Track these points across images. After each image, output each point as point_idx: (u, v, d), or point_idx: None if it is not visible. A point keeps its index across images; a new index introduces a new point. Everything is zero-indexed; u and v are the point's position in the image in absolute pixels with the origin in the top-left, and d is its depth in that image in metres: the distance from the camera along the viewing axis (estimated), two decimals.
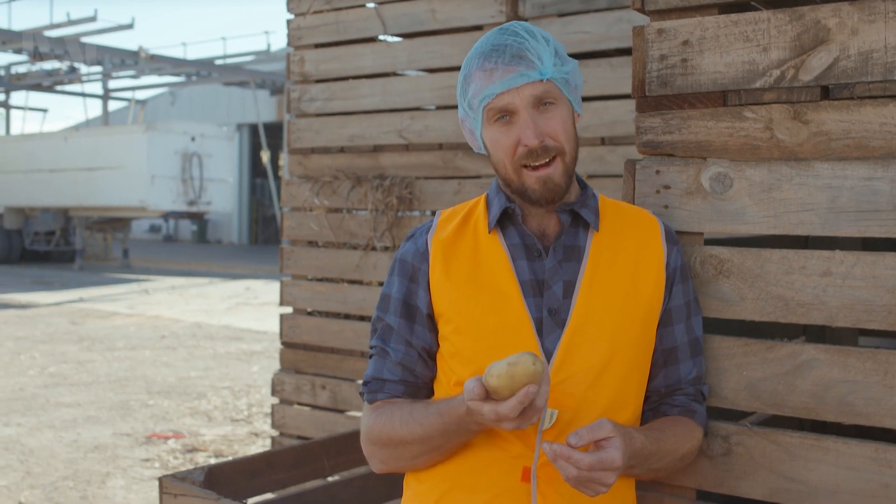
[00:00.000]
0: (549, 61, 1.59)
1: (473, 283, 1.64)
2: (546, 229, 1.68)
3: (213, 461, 5.46)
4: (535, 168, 1.60)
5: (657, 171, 1.85)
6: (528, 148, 1.58)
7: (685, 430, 1.67)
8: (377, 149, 4.03)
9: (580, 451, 1.41)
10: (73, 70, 24.34)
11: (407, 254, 1.73)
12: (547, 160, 1.60)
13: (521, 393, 1.37)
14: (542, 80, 1.58)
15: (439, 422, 1.55)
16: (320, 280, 4.20)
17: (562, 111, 1.61)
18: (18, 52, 23.29)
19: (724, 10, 1.81)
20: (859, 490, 1.64)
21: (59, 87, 27.12)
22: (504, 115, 1.60)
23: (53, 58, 22.52)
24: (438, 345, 1.69)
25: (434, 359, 1.71)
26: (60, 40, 21.85)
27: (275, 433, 4.39)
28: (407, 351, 1.69)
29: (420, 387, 1.71)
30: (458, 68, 3.76)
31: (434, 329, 1.69)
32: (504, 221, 1.69)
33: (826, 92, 1.68)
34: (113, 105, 30.74)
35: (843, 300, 1.65)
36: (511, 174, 1.63)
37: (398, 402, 1.67)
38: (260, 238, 35.03)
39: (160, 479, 2.61)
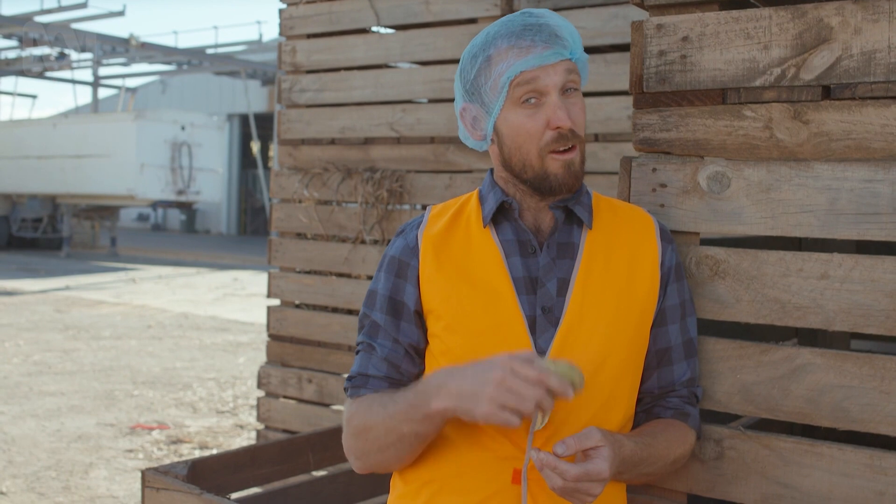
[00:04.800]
0: (578, 43, 1.59)
1: (465, 280, 1.60)
2: (541, 225, 1.64)
3: (197, 453, 5.43)
4: (561, 152, 1.57)
5: (653, 169, 1.82)
6: (558, 131, 1.55)
7: (677, 434, 1.64)
8: (368, 141, 3.99)
9: (567, 462, 1.38)
10: (63, 56, 24.20)
11: (397, 250, 1.69)
12: (572, 145, 1.58)
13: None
14: (571, 60, 1.57)
15: (412, 394, 1.52)
16: (308, 273, 4.17)
17: (581, 98, 1.61)
18: (8, 37, 23.14)
19: (725, 6, 1.78)
20: (853, 497, 1.61)
21: (48, 74, 26.96)
22: (532, 98, 1.56)
23: (45, 44, 22.39)
24: (426, 341, 1.66)
25: (421, 355, 1.67)
26: (52, 26, 21.72)
27: (260, 426, 4.36)
28: (394, 347, 1.65)
29: (405, 384, 1.66)
30: (451, 61, 3.73)
31: (422, 325, 1.66)
32: (497, 217, 1.65)
33: (827, 92, 1.65)
34: (103, 92, 30.60)
35: (840, 304, 1.63)
36: (534, 160, 1.58)
37: (382, 392, 1.63)
38: (248, 228, 34.95)
39: (143, 473, 2.57)
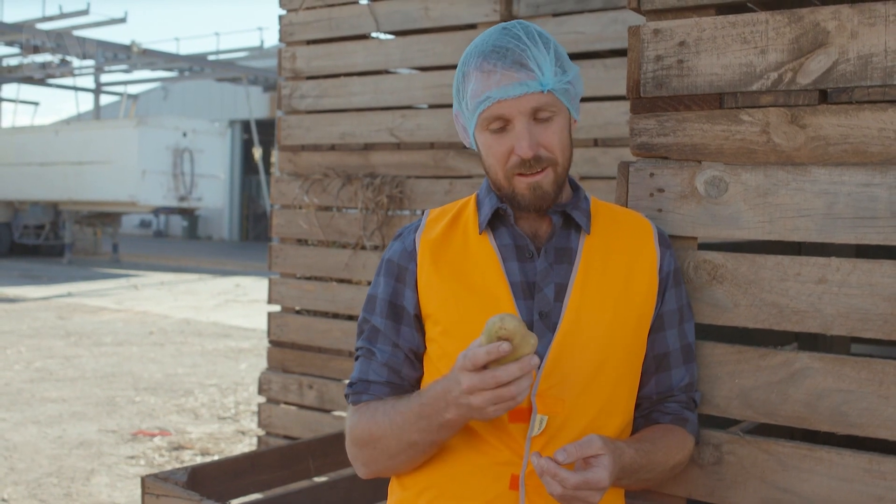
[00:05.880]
0: (551, 71, 1.53)
1: (463, 285, 1.60)
2: (538, 231, 1.64)
3: (199, 459, 5.42)
4: (526, 175, 1.56)
5: (651, 174, 1.82)
6: (520, 158, 1.54)
7: (676, 440, 1.64)
8: (368, 147, 4.00)
9: (566, 469, 1.38)
10: (64, 63, 24.22)
11: (394, 254, 1.69)
12: (539, 169, 1.56)
13: (524, 360, 1.35)
14: (542, 92, 1.52)
15: (416, 405, 1.50)
16: (309, 279, 4.17)
17: (559, 122, 1.56)
18: (10, 44, 23.18)
19: (722, 10, 1.78)
20: (852, 502, 1.61)
21: (50, 81, 26.97)
22: (497, 124, 1.55)
23: (47, 51, 22.43)
24: (425, 346, 1.66)
25: (421, 360, 1.67)
26: (54, 33, 21.76)
27: (261, 432, 4.36)
28: (393, 352, 1.65)
29: (406, 389, 1.66)
30: (451, 67, 3.73)
31: (421, 330, 1.65)
32: (495, 222, 1.65)
33: (824, 96, 1.65)
34: (105, 99, 30.61)
35: (838, 308, 1.62)
36: (501, 180, 1.59)
37: (384, 399, 1.63)
38: (251, 235, 34.93)
39: (142, 479, 2.57)
